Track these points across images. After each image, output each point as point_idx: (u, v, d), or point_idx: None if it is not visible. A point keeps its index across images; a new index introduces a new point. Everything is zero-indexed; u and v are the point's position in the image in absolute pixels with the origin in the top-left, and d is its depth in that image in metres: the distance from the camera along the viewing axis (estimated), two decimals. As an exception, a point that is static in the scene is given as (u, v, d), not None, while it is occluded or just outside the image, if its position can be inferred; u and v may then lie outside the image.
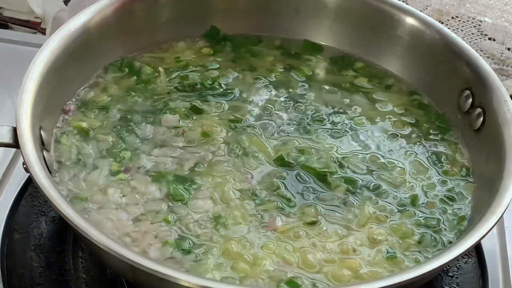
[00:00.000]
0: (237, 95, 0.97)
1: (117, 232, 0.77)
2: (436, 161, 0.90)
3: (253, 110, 0.94)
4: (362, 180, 0.86)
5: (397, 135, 0.93)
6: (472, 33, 1.31)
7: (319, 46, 1.06)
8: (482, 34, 1.31)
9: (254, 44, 1.06)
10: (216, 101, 0.95)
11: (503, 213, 0.74)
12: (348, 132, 0.93)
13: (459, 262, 0.91)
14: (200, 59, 1.02)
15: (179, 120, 0.91)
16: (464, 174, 0.89)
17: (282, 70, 1.02)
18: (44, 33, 1.34)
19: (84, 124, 0.89)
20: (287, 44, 1.06)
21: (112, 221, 0.78)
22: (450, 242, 0.80)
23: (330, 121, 0.94)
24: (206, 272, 0.74)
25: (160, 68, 0.99)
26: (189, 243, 0.77)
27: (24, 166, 0.74)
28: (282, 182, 0.85)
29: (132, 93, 0.95)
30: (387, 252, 0.78)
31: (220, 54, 1.03)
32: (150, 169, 0.84)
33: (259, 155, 0.88)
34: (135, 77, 0.97)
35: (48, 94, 0.84)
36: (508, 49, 1.30)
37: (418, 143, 0.92)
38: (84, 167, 0.84)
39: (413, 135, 0.94)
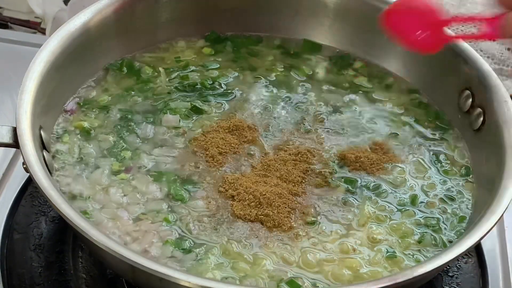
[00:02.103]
0: (237, 95, 0.97)
1: (117, 231, 0.77)
2: (436, 161, 0.90)
3: (253, 110, 0.94)
4: (362, 180, 0.86)
5: (397, 135, 0.93)
6: (472, 33, 1.30)
7: (319, 45, 1.06)
8: (482, 33, 1.31)
9: (254, 44, 1.06)
10: (216, 101, 0.95)
11: (503, 213, 0.74)
12: (348, 132, 0.93)
13: (459, 262, 0.91)
14: (200, 59, 1.02)
15: (179, 120, 0.91)
16: (464, 174, 0.89)
17: (282, 69, 1.02)
18: (44, 33, 1.34)
19: (85, 124, 0.89)
20: (287, 44, 1.06)
21: (113, 220, 0.78)
22: (450, 242, 0.80)
23: (330, 120, 0.94)
24: (207, 271, 0.74)
25: (160, 68, 0.99)
26: (190, 242, 0.77)
27: (24, 166, 0.74)
28: (282, 182, 0.84)
29: (132, 93, 0.95)
30: (387, 252, 0.78)
31: (220, 54, 1.03)
32: (150, 169, 0.85)
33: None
34: (135, 77, 0.97)
35: (48, 94, 0.84)
36: (508, 49, 1.30)
37: (418, 143, 0.92)
38: (86, 166, 0.84)
39: (413, 135, 0.94)
